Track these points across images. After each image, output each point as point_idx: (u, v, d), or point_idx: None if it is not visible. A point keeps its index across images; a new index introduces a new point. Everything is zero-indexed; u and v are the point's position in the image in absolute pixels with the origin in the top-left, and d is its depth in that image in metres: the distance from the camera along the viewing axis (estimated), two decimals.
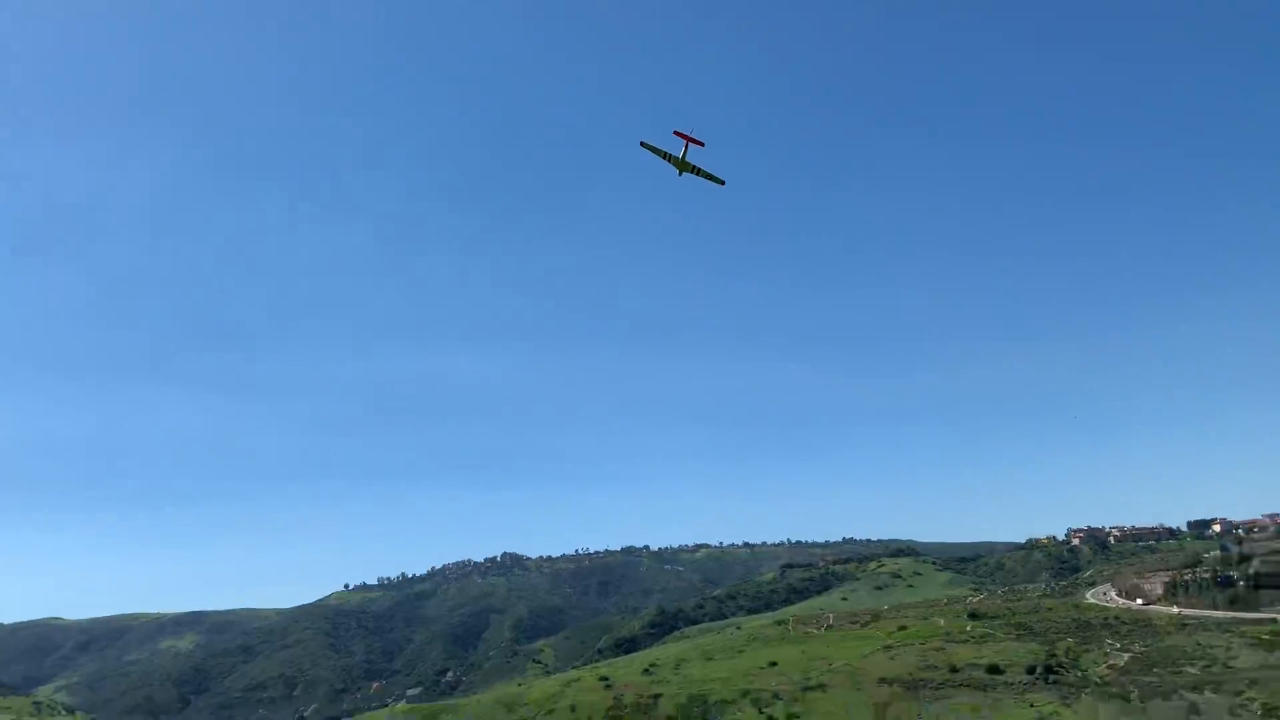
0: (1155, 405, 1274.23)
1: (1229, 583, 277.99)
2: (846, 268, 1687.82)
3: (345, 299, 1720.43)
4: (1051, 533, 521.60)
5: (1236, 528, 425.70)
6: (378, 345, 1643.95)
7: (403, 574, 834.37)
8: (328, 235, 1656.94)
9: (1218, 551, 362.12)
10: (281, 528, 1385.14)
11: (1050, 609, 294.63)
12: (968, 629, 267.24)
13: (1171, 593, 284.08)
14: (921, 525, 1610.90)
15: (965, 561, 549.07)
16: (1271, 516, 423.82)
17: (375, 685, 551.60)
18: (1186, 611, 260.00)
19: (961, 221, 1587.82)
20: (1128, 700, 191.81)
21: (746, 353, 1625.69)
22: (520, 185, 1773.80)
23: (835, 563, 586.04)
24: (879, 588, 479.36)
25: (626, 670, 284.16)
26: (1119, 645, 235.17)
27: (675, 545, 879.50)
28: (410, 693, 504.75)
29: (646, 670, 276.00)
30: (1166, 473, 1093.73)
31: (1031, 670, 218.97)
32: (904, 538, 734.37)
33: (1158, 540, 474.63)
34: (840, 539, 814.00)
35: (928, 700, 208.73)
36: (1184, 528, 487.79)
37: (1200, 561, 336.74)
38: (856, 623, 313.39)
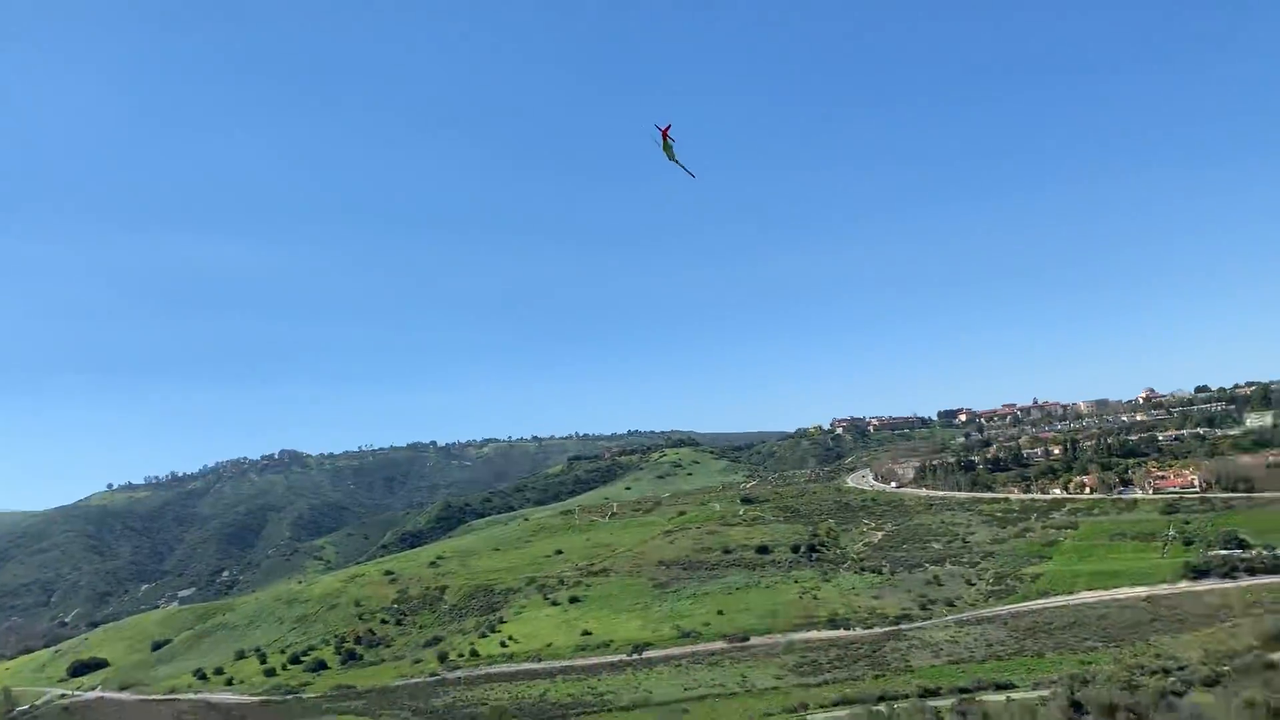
0: (908, 303, 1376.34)
1: (971, 466, 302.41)
2: (627, 161, 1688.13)
3: (101, 173, 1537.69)
4: (818, 423, 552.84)
5: (979, 417, 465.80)
6: (143, 227, 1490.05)
7: (173, 473, 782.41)
8: (69, 97, 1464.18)
9: (962, 439, 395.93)
10: (36, 424, 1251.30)
11: (815, 493, 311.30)
12: (741, 513, 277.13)
13: (921, 476, 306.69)
14: (701, 417, 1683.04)
15: (740, 450, 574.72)
16: (1009, 406, 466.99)
17: (144, 587, 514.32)
18: (934, 493, 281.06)
19: (722, 122, 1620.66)
20: (880, 573, 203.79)
21: (535, 247, 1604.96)
22: (298, 56, 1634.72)
23: (620, 454, 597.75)
24: (661, 477, 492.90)
25: (412, 564, 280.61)
26: (874, 525, 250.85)
27: (463, 440, 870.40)
28: (183, 594, 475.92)
29: (433, 563, 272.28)
30: (920, 367, 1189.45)
31: (796, 549, 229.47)
32: (685, 429, 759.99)
33: (912, 429, 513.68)
34: (626, 431, 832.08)
35: (702, 579, 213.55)
36: (935, 417, 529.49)
37: (947, 448, 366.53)
38: (639, 510, 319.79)
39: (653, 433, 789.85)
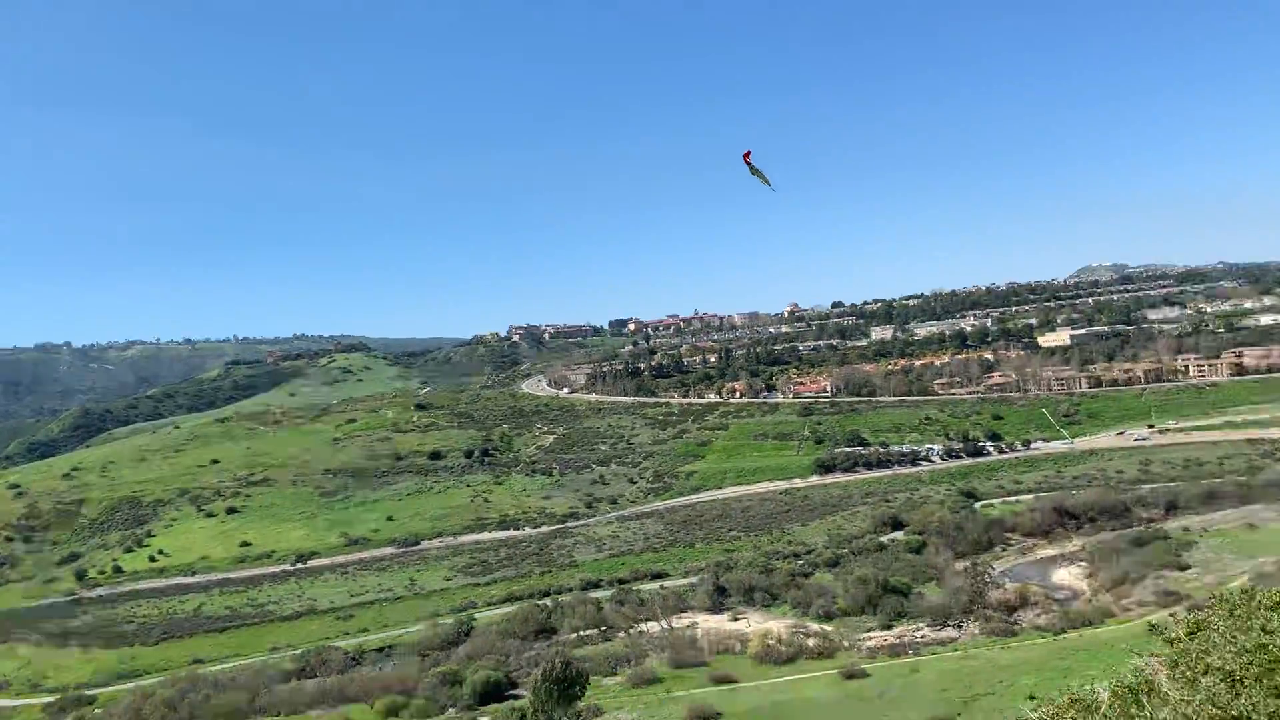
0: (581, 216, 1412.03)
1: (637, 373, 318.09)
2: (293, 42, 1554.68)
3: None
4: (495, 330, 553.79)
5: (647, 327, 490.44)
6: None
7: None
8: None
9: (631, 347, 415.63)
10: None
11: (490, 399, 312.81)
12: (414, 420, 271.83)
13: (592, 382, 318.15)
14: (374, 322, 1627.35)
15: (415, 356, 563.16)
16: (673, 317, 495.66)
17: None
18: (603, 398, 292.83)
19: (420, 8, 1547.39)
20: (550, 475, 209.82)
21: (189, 129, 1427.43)
22: None
23: (285, 359, 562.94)
24: (329, 383, 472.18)
25: (43, 476, 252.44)
26: (546, 429, 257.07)
27: (103, 342, 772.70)
28: None
29: (67, 475, 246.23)
30: (595, 278, 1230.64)
31: (470, 454, 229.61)
32: (356, 334, 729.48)
33: (585, 337, 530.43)
34: (291, 335, 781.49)
35: (373, 487, 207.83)
36: (606, 326, 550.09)
37: (617, 355, 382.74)
38: (305, 418, 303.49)
39: (321, 337, 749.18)
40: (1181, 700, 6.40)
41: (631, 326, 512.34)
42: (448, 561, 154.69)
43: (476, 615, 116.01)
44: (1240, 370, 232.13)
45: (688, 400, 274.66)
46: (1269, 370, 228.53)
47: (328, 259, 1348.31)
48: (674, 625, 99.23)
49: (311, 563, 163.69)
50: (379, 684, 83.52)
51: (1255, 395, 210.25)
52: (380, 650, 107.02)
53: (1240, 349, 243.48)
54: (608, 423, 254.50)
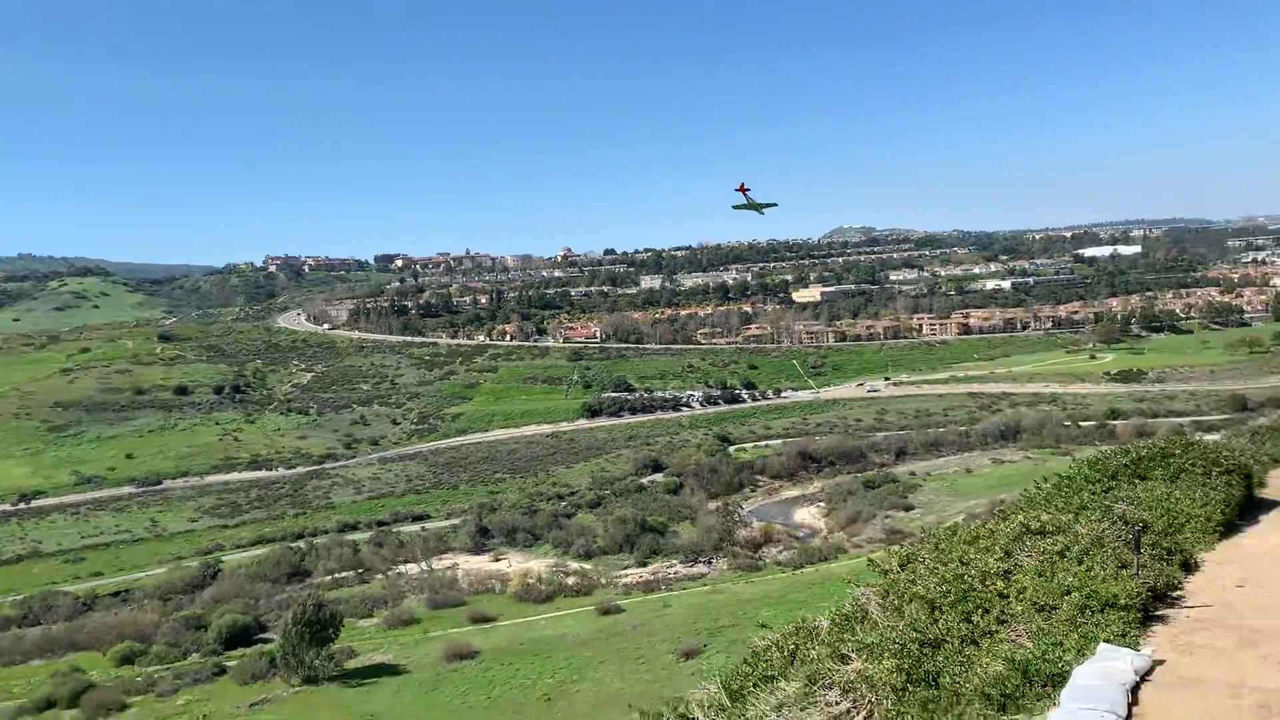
0: (351, 144, 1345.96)
1: (404, 311, 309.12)
2: None
3: None
4: (250, 259, 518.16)
5: (415, 264, 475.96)
6: None
7: None
8: None
9: (398, 284, 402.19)
10: None
11: (243, 332, 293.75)
12: (158, 352, 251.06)
13: (355, 319, 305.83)
14: (114, 244, 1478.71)
15: (160, 284, 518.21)
16: (443, 255, 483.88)
17: None
18: (366, 335, 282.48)
19: None
20: (307, 414, 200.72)
21: None
22: None
23: (8, 280, 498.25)
24: (60, 309, 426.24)
25: None
26: (304, 366, 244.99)
27: None
28: None
29: None
30: (360, 211, 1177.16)
31: (219, 390, 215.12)
32: (93, 257, 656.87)
33: (348, 271, 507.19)
34: (15, 255, 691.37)
35: (110, 422, 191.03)
36: (372, 261, 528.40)
37: (383, 292, 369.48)
38: (31, 345, 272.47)
39: (52, 258, 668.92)
40: (888, 626, 7.05)
41: (399, 263, 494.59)
42: (193, 502, 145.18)
43: (224, 558, 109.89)
44: (966, 330, 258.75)
45: (456, 341, 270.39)
46: (991, 330, 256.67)
47: (60, 171, 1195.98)
48: (434, 567, 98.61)
49: (37, 503, 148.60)
50: (113, 630, 77.22)
51: (977, 353, 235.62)
52: (116, 595, 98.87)
53: (967, 310, 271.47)
54: (371, 361, 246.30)
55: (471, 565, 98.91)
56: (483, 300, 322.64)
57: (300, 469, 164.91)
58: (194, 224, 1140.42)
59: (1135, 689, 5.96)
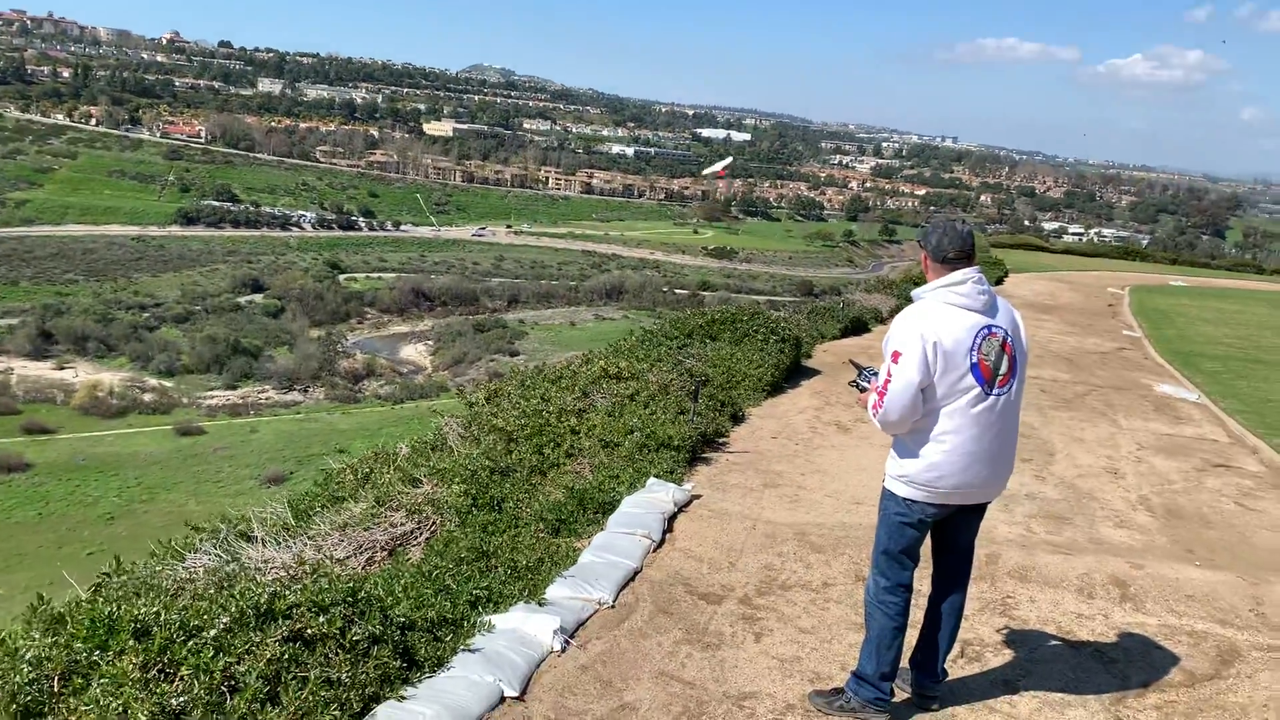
0: None
1: None
2: None
3: None
4: None
5: None
6: None
7: None
8: None
9: None
10: None
11: None
12: None
13: None
14: None
15: None
16: (19, 13, 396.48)
17: None
18: None
19: None
20: None
21: None
22: None
23: None
24: None
25: None
26: None
27: None
28: None
29: None
30: None
31: None
32: None
33: None
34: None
35: None
36: None
37: None
38: None
39: None
40: (464, 454, 7.22)
41: None
42: None
43: None
44: (589, 189, 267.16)
45: (29, 116, 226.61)
46: (611, 194, 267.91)
47: None
48: None
49: None
50: None
51: (596, 213, 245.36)
52: None
53: (592, 170, 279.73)
54: None
55: (29, 371, 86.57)
56: (65, 74, 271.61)
57: None
58: None
59: (673, 518, 6.70)
